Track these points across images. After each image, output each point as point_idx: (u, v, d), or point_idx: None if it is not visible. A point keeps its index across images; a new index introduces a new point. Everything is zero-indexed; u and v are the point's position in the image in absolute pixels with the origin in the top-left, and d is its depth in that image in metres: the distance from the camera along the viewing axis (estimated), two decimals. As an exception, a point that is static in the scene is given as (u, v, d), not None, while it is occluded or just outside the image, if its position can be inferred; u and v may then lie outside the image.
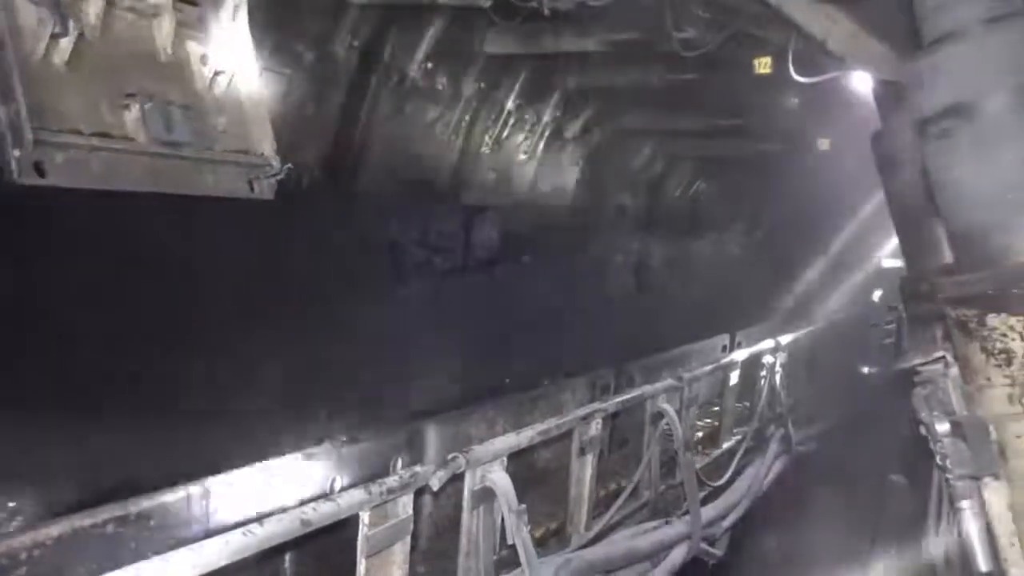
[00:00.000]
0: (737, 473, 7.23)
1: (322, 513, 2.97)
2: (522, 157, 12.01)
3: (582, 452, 5.06)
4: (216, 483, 3.20)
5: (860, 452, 8.25)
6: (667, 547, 5.68)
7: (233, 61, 4.20)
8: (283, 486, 3.52)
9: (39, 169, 3.28)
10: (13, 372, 5.18)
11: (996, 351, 2.71)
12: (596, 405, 5.22)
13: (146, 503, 2.93)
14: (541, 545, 4.78)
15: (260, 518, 2.78)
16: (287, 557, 3.85)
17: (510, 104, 11.19)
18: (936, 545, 4.02)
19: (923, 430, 2.97)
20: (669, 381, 6.12)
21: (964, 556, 3.01)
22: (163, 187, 3.84)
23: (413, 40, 9.27)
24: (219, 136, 4.11)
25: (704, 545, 6.18)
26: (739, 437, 7.72)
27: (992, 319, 2.71)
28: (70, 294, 5.90)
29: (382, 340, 8.14)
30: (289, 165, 4.35)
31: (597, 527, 5.19)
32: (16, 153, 3.18)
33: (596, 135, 13.25)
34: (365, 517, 3.18)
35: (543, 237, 12.29)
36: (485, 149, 11.25)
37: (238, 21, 4.25)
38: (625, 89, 11.35)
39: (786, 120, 11.01)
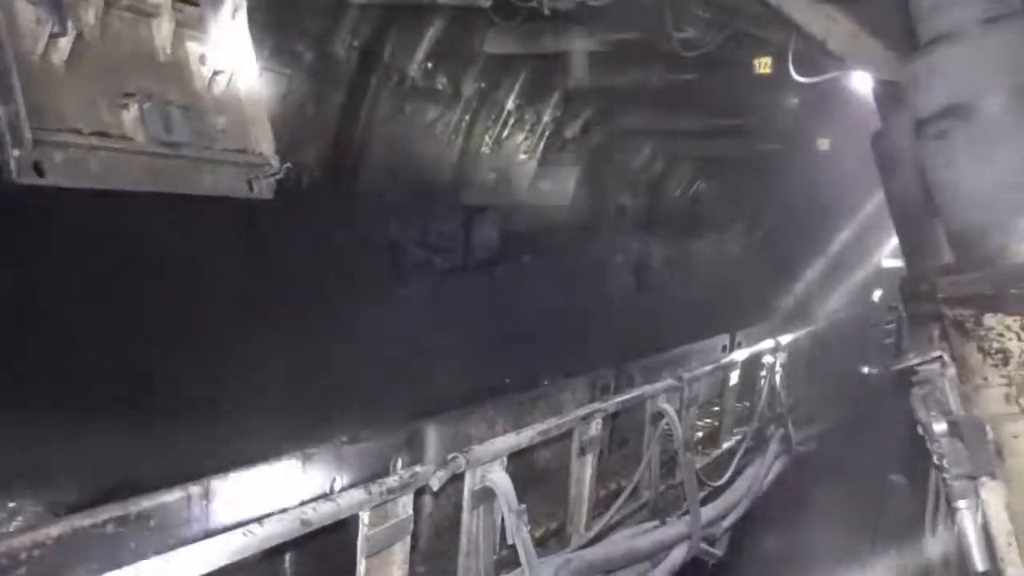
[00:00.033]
0: (737, 473, 7.22)
1: (322, 513, 2.97)
2: (522, 157, 12.01)
3: (582, 452, 5.06)
4: (216, 483, 3.19)
5: (860, 452, 8.25)
6: (667, 547, 5.67)
7: (232, 61, 4.20)
8: (283, 486, 3.52)
9: (38, 169, 3.28)
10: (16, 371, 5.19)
11: (993, 351, 2.71)
12: (596, 405, 5.21)
13: (146, 503, 2.93)
14: (541, 545, 4.77)
15: (260, 518, 2.78)
16: (287, 557, 3.85)
17: (510, 104, 11.19)
18: (933, 545, 4.02)
19: (920, 430, 2.98)
20: (669, 381, 6.11)
21: (961, 556, 3.01)
22: (162, 187, 3.84)
23: (413, 40, 9.28)
24: (218, 136, 4.11)
25: (704, 545, 6.18)
26: (739, 437, 7.71)
27: (989, 319, 2.71)
28: (71, 293, 5.91)
29: (382, 340, 8.15)
30: (288, 165, 4.35)
31: (597, 527, 5.18)
32: (15, 153, 3.18)
33: (596, 135, 13.25)
34: (365, 517, 3.18)
35: (543, 237, 12.29)
36: (485, 149, 11.26)
37: (237, 21, 4.25)
38: (625, 89, 11.35)
39: (786, 120, 11.02)
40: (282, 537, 2.80)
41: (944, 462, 2.87)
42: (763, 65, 7.97)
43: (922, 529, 4.10)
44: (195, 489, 3.12)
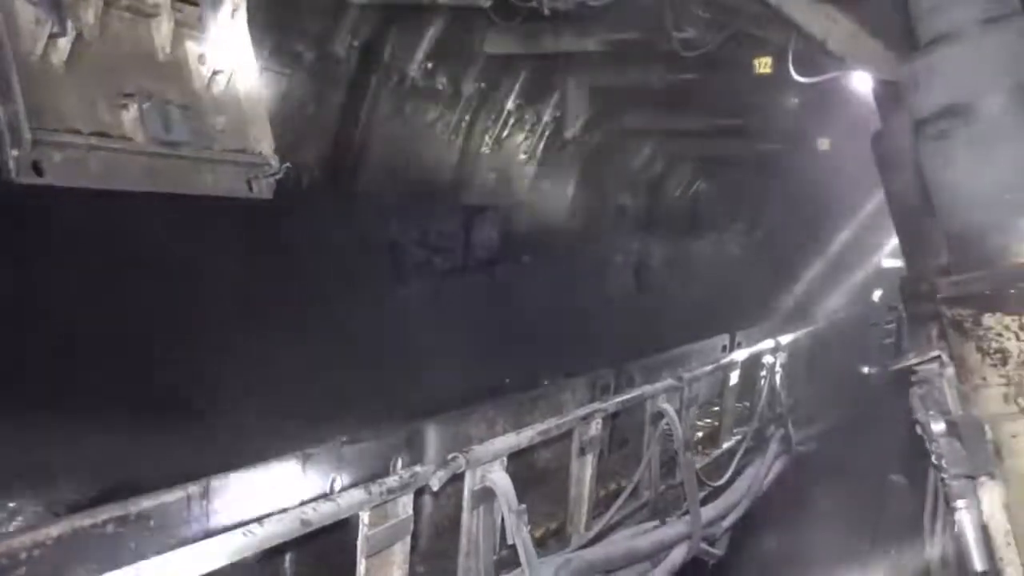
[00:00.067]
0: (737, 473, 7.22)
1: (322, 513, 2.97)
2: (522, 157, 12.01)
3: (582, 452, 5.05)
4: (216, 483, 3.19)
5: (860, 452, 8.25)
6: (667, 547, 5.67)
7: (232, 60, 4.20)
8: (283, 486, 3.53)
9: (37, 168, 3.28)
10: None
11: (992, 351, 2.72)
12: (596, 405, 5.21)
13: (146, 503, 2.93)
14: (541, 545, 4.77)
15: (260, 518, 2.78)
16: (287, 557, 3.85)
17: (510, 104, 11.19)
18: (932, 545, 4.02)
19: (919, 430, 2.98)
20: (669, 381, 6.11)
21: (960, 555, 3.01)
22: (161, 187, 3.84)
23: (413, 40, 9.28)
24: (217, 135, 4.10)
25: (704, 545, 6.18)
26: (739, 437, 7.71)
27: (988, 319, 2.71)
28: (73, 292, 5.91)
29: (381, 340, 8.15)
30: (287, 164, 4.34)
31: (597, 527, 5.18)
32: (14, 153, 3.17)
33: (596, 135, 13.25)
34: (365, 517, 3.18)
35: (543, 237, 12.29)
36: (485, 149, 11.26)
37: (237, 20, 4.24)
38: (625, 89, 11.35)
39: (786, 120, 11.01)
40: (282, 537, 2.80)
41: (943, 462, 2.87)
42: (763, 65, 7.97)
43: (922, 529, 4.10)
44: (195, 489, 3.12)
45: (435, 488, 3.61)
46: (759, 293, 13.47)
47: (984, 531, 2.83)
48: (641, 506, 5.88)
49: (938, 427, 2.89)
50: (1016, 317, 2.67)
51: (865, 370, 11.20)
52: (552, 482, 5.54)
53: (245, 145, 4.27)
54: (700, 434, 7.70)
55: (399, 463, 3.88)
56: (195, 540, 2.61)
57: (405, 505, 3.37)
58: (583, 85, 11.40)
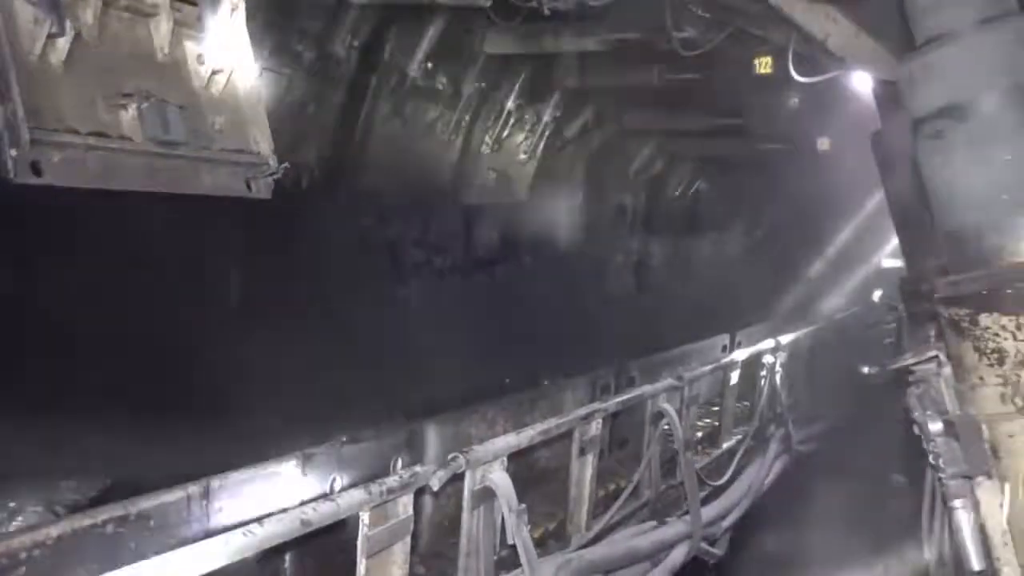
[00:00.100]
0: (737, 473, 7.22)
1: (322, 513, 2.96)
2: (522, 157, 12.01)
3: (582, 452, 5.05)
4: (216, 483, 3.19)
5: (860, 452, 8.25)
6: (667, 547, 5.67)
7: (230, 60, 4.19)
8: (283, 486, 3.52)
9: (36, 169, 3.27)
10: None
11: (988, 350, 2.72)
12: (596, 405, 5.21)
13: (146, 503, 2.93)
14: (541, 545, 4.77)
15: (260, 518, 2.78)
16: (287, 557, 3.84)
17: (510, 104, 11.19)
18: (930, 544, 4.02)
19: (916, 429, 2.98)
20: (669, 381, 6.11)
21: (957, 555, 3.01)
22: (160, 186, 3.83)
23: (413, 40, 9.28)
24: (216, 135, 4.10)
25: (704, 545, 6.17)
26: (739, 437, 7.71)
27: (984, 318, 2.71)
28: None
29: (381, 339, 8.15)
30: (286, 164, 4.34)
31: (597, 527, 5.18)
32: (13, 153, 3.17)
33: (596, 135, 13.25)
34: (365, 517, 3.18)
35: (543, 237, 12.29)
36: (485, 149, 11.26)
37: (236, 20, 4.24)
38: (625, 89, 11.35)
39: (786, 120, 11.01)
40: (282, 537, 2.80)
41: (940, 461, 2.87)
42: (763, 65, 7.98)
43: (921, 528, 4.11)
44: (195, 489, 3.11)
45: (435, 488, 3.61)
46: (759, 293, 13.46)
47: (981, 531, 2.83)
48: (641, 506, 5.87)
49: (935, 427, 2.89)
50: (1013, 317, 2.67)
51: (865, 370, 11.19)
52: (552, 482, 5.54)
53: (244, 145, 4.26)
54: (700, 434, 7.69)
55: (399, 463, 3.87)
56: (195, 540, 2.61)
57: (405, 505, 3.37)
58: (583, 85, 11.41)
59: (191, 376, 6.57)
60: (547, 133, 12.06)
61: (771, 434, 8.23)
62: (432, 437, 4.48)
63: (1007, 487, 2.75)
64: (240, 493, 3.29)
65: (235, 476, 3.29)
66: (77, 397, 5.54)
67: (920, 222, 3.89)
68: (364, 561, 3.20)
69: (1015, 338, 2.67)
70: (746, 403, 8.21)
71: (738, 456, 7.34)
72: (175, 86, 3.98)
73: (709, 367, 7.09)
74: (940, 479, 2.93)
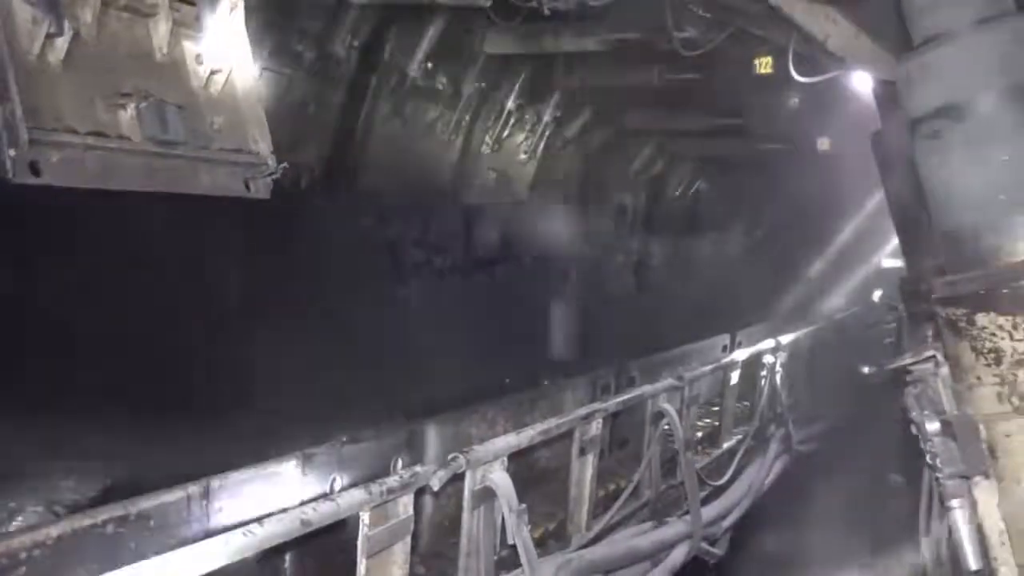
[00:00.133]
0: (737, 473, 7.22)
1: (322, 513, 2.96)
2: (522, 157, 12.01)
3: (582, 452, 5.05)
4: (216, 483, 3.19)
5: (860, 452, 8.25)
6: (667, 547, 5.67)
7: (229, 60, 4.18)
8: (283, 486, 3.52)
9: (34, 169, 3.26)
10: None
11: (986, 350, 2.72)
12: (596, 405, 5.21)
13: (146, 503, 2.93)
14: (541, 545, 4.77)
15: (260, 518, 2.78)
16: (287, 557, 3.84)
17: (510, 104, 11.19)
18: (927, 544, 4.02)
19: (914, 429, 2.98)
20: (669, 381, 6.11)
21: (954, 555, 3.01)
22: (159, 186, 3.82)
23: (413, 40, 9.28)
24: (215, 135, 4.09)
25: (705, 545, 6.18)
26: (739, 437, 7.71)
27: (982, 318, 2.72)
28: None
29: (381, 339, 8.15)
30: (284, 164, 4.33)
31: (597, 527, 5.18)
32: (11, 153, 3.16)
33: (596, 135, 13.25)
34: (365, 517, 3.18)
35: (543, 237, 12.29)
36: (485, 149, 11.26)
37: (234, 20, 4.23)
38: (625, 89, 11.35)
39: (786, 120, 11.01)
40: (282, 537, 2.80)
41: (937, 461, 2.88)
42: (763, 65, 7.98)
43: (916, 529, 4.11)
44: (195, 489, 3.11)
45: (435, 488, 3.61)
46: (759, 293, 13.46)
47: (978, 530, 2.83)
48: (641, 506, 5.88)
49: (932, 427, 2.89)
50: (1010, 317, 2.67)
51: (865, 370, 11.19)
52: (552, 482, 5.54)
53: (243, 145, 4.25)
54: (700, 434, 7.70)
55: (399, 463, 3.87)
56: (195, 540, 2.61)
57: (405, 505, 3.37)
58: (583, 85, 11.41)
59: (191, 376, 6.57)
60: (547, 133, 12.05)
61: (771, 434, 8.23)
62: (432, 437, 4.48)
63: (1004, 487, 2.75)
64: (240, 493, 3.29)
65: (235, 476, 3.29)
66: (77, 397, 5.53)
67: (919, 222, 3.89)
68: (364, 561, 3.20)
69: (1012, 338, 2.67)
70: (746, 403, 8.21)
71: (738, 456, 7.34)
72: (174, 86, 3.97)
73: (709, 367, 7.10)
74: (937, 479, 2.93)
